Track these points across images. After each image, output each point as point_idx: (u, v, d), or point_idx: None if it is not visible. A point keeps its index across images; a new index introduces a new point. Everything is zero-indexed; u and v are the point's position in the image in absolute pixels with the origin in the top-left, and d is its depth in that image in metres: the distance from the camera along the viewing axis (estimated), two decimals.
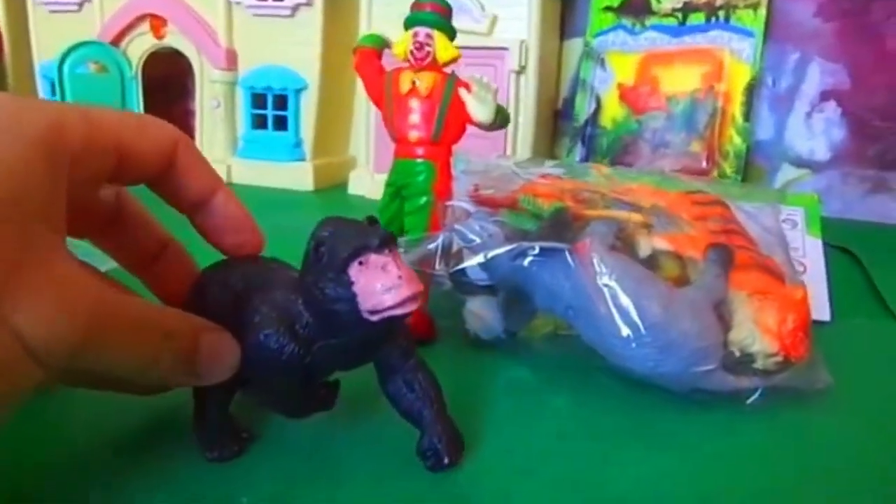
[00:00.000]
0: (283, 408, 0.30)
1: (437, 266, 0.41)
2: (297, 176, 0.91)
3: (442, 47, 0.38)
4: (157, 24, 0.94)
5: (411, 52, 0.38)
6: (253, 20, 0.90)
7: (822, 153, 0.84)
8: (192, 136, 0.96)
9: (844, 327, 0.45)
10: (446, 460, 0.28)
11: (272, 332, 0.26)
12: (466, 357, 0.40)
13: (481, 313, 0.41)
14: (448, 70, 0.40)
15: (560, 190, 0.44)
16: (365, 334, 0.27)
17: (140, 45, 0.96)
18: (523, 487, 0.28)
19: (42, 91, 1.03)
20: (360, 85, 0.90)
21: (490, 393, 0.36)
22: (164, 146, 0.28)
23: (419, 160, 0.40)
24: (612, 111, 0.86)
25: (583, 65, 0.89)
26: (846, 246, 0.63)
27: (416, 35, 0.38)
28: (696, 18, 0.83)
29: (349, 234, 0.25)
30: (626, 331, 0.35)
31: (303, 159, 0.92)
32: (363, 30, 0.88)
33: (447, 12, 0.39)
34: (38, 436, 0.30)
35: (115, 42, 0.95)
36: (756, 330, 0.37)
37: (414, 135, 0.40)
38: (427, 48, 0.38)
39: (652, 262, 0.40)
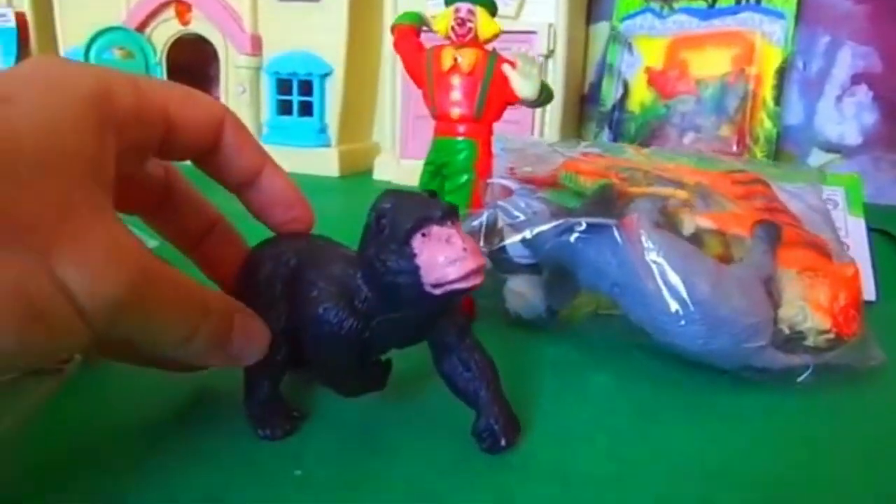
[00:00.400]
0: (337, 385, 0.29)
1: (480, 244, 0.41)
2: (323, 162, 0.91)
3: (484, 23, 0.38)
4: (183, 9, 0.94)
5: (452, 29, 0.38)
6: (278, 6, 0.89)
7: (852, 137, 0.83)
8: None
9: (891, 307, 0.45)
10: (503, 442, 0.28)
11: (331, 305, 0.26)
12: (508, 336, 0.39)
13: (523, 292, 0.41)
14: (489, 47, 0.40)
15: (602, 167, 0.44)
16: (425, 309, 0.26)
17: (165, 31, 0.96)
18: (576, 466, 0.27)
19: None
20: (384, 70, 0.90)
21: (535, 372, 0.35)
22: (211, 120, 0.28)
23: (460, 138, 0.40)
24: (640, 95, 0.85)
25: (609, 49, 0.88)
26: (885, 228, 0.62)
27: (457, 11, 0.38)
28: (726, 1, 0.82)
29: (411, 206, 0.25)
30: (674, 307, 0.34)
31: (328, 145, 0.92)
32: (388, 15, 0.88)
33: None
34: (85, 410, 0.30)
35: (141, 28, 0.95)
36: (807, 307, 0.36)
37: (455, 112, 0.39)
38: (469, 24, 0.38)
39: (696, 239, 0.40)
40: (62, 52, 1.03)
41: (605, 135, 0.87)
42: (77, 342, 0.21)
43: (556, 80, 0.82)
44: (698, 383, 0.35)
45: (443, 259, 0.23)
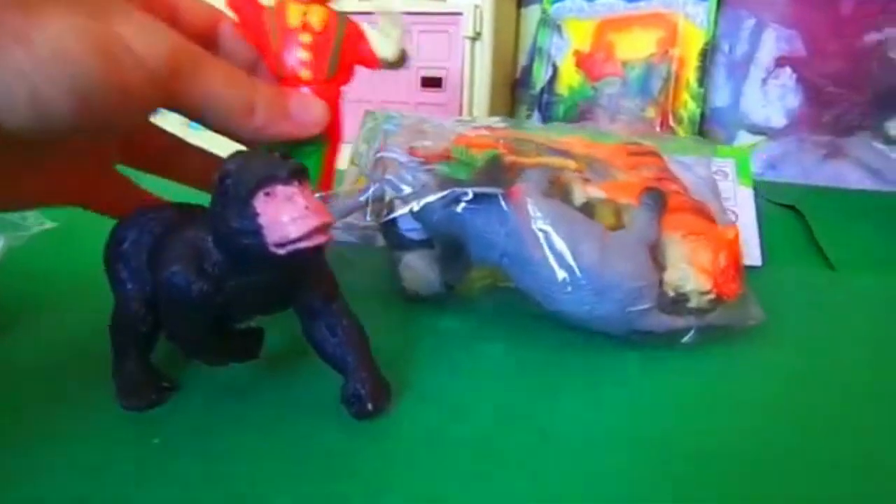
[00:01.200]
0: (200, 353, 0.29)
1: (367, 218, 0.40)
2: None
3: None
4: None
5: None
6: None
7: (778, 120, 0.84)
8: None
9: (777, 272, 0.45)
10: (370, 406, 0.27)
11: (180, 268, 0.25)
12: (404, 312, 0.39)
13: (419, 267, 0.41)
14: (335, 6, 0.37)
15: (494, 140, 0.44)
16: (276, 271, 0.26)
17: None
18: (455, 428, 0.27)
19: None
20: None
21: (424, 343, 0.35)
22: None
23: None
24: (569, 78, 0.85)
25: (540, 32, 0.88)
26: (794, 205, 0.63)
27: None
28: None
29: (256, 166, 0.24)
30: (561, 274, 0.34)
31: None
32: None
33: None
34: None
35: None
36: (690, 269, 0.37)
37: (305, 73, 0.35)
38: None
39: (587, 209, 0.40)
40: None
41: (535, 117, 0.87)
42: (151, 98, 0.26)
43: (483, 62, 0.81)
44: (588, 346, 0.35)
45: (286, 218, 0.23)
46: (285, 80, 0.35)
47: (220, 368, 0.29)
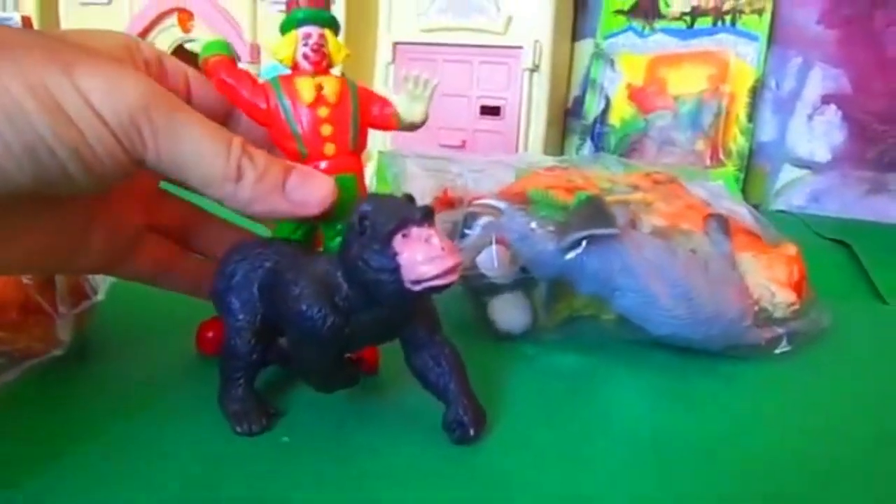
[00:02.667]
0: (317, 380, 0.30)
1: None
2: None
3: (335, 47, 0.33)
4: (185, 17, 0.97)
5: (306, 56, 0.32)
6: (277, 16, 0.93)
7: (822, 155, 0.87)
8: None
9: (830, 306, 0.48)
10: (472, 432, 0.29)
11: (313, 302, 0.27)
12: (496, 349, 0.40)
13: (509, 309, 0.42)
14: (337, 71, 0.35)
15: (564, 181, 0.47)
16: (403, 305, 0.28)
17: (167, 38, 0.99)
18: (569, 448, 0.30)
19: None
20: (377, 81, 0.93)
21: (519, 374, 0.37)
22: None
23: (341, 175, 0.33)
24: (621, 110, 0.89)
25: (593, 65, 0.92)
26: (843, 239, 0.66)
27: (308, 37, 0.32)
28: (704, 22, 0.86)
29: (392, 208, 0.26)
30: (678, 304, 0.37)
31: None
32: (384, 27, 0.91)
33: (328, 5, 0.34)
34: (57, 402, 0.32)
35: (144, 34, 0.99)
36: (771, 285, 0.41)
37: (330, 148, 0.33)
38: (324, 49, 0.32)
39: (658, 237, 0.43)
40: None
41: (587, 147, 0.90)
42: (114, 158, 0.24)
43: (540, 93, 0.86)
44: (684, 367, 0.38)
45: (422, 258, 0.25)
46: (309, 157, 0.32)
47: (319, 396, 0.31)
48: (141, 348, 0.38)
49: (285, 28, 0.33)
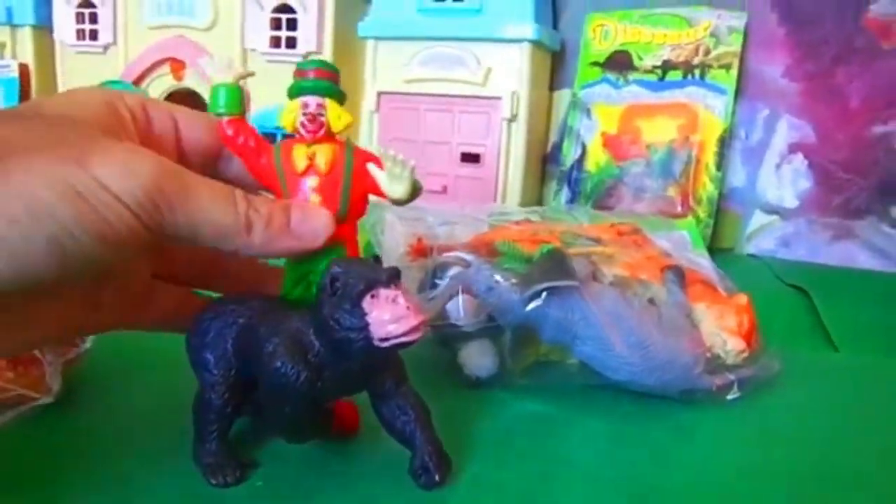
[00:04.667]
0: (289, 433, 0.32)
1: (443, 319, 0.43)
2: None
3: (335, 116, 0.33)
4: (177, 67, 1.01)
5: (302, 125, 0.33)
6: (267, 66, 0.97)
7: (790, 201, 0.91)
8: None
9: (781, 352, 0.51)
10: (437, 477, 0.31)
11: (287, 360, 0.28)
12: (466, 396, 0.42)
13: (477, 355, 0.44)
14: (342, 138, 0.35)
15: (530, 233, 0.50)
16: (370, 361, 0.30)
17: (160, 86, 1.02)
18: (510, 488, 0.32)
19: None
20: (363, 126, 0.97)
21: (485, 421, 0.39)
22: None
23: (328, 245, 0.33)
24: (596, 157, 0.93)
25: (570, 114, 0.96)
26: (802, 286, 0.69)
27: (305, 106, 0.33)
28: (675, 75, 0.90)
29: (361, 271, 0.28)
30: (633, 352, 0.40)
31: None
32: (369, 76, 0.95)
33: (336, 76, 0.34)
34: (47, 446, 0.34)
35: (138, 82, 1.02)
36: (723, 333, 0.44)
37: None
38: (321, 118, 0.33)
39: (618, 287, 0.46)
40: None
41: (564, 192, 0.94)
42: (135, 234, 0.26)
43: (517, 141, 0.89)
44: (640, 413, 0.41)
45: (389, 317, 0.27)
46: None
47: (284, 445, 0.33)
48: (128, 393, 0.40)
49: (289, 95, 0.34)
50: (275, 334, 0.30)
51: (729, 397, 0.43)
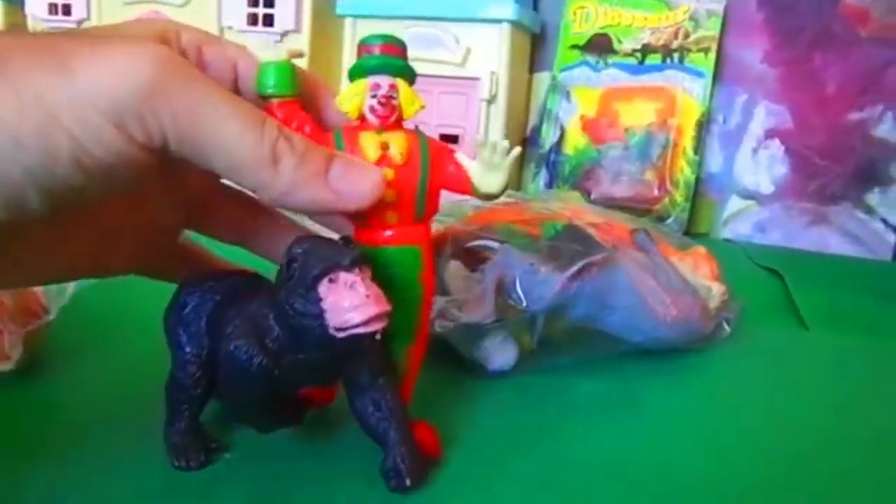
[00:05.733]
0: (252, 420, 0.30)
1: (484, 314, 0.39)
2: None
3: (407, 100, 0.29)
4: None
5: (373, 109, 0.28)
6: (245, 43, 0.95)
7: (766, 187, 0.91)
8: None
9: (752, 330, 0.51)
10: (408, 482, 0.28)
11: (242, 343, 0.27)
12: (484, 386, 0.40)
13: (498, 347, 0.41)
14: (411, 124, 0.30)
15: (518, 212, 0.49)
16: (332, 351, 0.27)
17: None
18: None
19: None
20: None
21: (491, 410, 0.37)
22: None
23: (398, 247, 0.29)
24: (575, 140, 0.93)
25: (549, 96, 0.96)
26: (775, 268, 0.69)
27: (377, 87, 0.28)
28: (654, 59, 0.90)
29: (321, 252, 0.25)
30: (664, 311, 0.42)
31: None
32: (347, 53, 0.94)
33: (405, 53, 0.30)
34: (4, 417, 0.33)
35: None
36: (705, 281, 0.47)
37: (392, 217, 0.29)
38: (393, 101, 0.28)
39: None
40: None
41: (543, 175, 0.94)
42: (122, 156, 0.21)
43: (496, 122, 0.89)
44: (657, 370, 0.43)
45: (347, 304, 0.24)
46: (368, 225, 0.29)
47: (262, 434, 0.31)
48: (90, 367, 0.39)
49: (353, 75, 0.29)
50: (237, 315, 0.28)
51: (726, 335, 0.47)
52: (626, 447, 0.34)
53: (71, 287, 0.41)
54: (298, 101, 0.28)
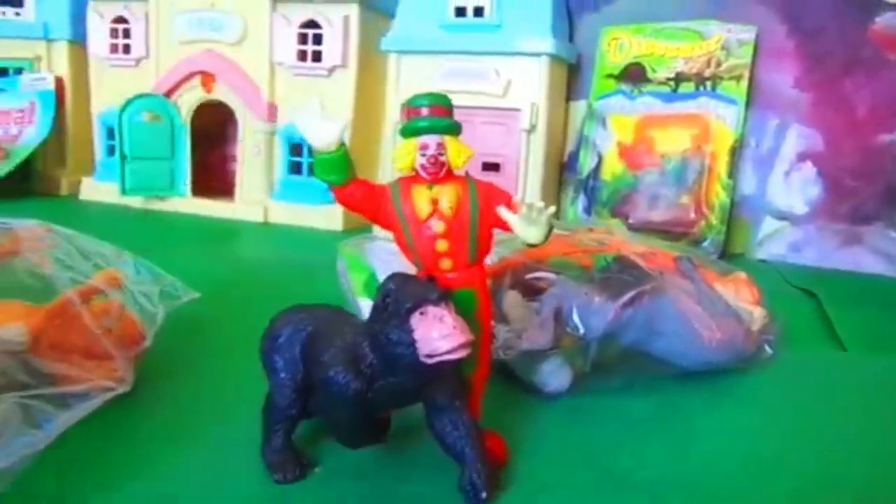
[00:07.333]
0: (343, 437, 0.34)
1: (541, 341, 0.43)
2: (328, 217, 1.00)
3: (454, 153, 0.31)
4: (208, 80, 1.05)
5: (423, 167, 0.31)
6: (294, 79, 1.01)
7: (799, 208, 0.94)
8: (231, 180, 1.07)
9: (791, 353, 0.54)
10: (484, 495, 0.31)
11: (341, 369, 0.30)
12: (539, 408, 0.43)
13: (555, 371, 0.44)
14: (461, 172, 0.33)
15: (571, 244, 0.53)
16: (419, 376, 0.30)
17: (191, 98, 1.07)
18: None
19: (98, 136, 1.14)
20: (387, 136, 1.00)
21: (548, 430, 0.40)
22: None
23: (458, 290, 0.32)
24: (612, 166, 0.96)
25: (586, 124, 1.00)
26: (811, 290, 0.72)
27: (426, 147, 0.31)
28: (687, 87, 0.94)
29: (412, 288, 0.29)
30: (711, 335, 0.45)
31: (332, 202, 1.02)
32: (391, 90, 0.99)
33: (450, 111, 0.32)
34: (120, 433, 0.37)
35: (168, 94, 1.07)
36: (746, 306, 0.50)
37: (446, 263, 0.32)
38: (441, 159, 0.31)
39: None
40: (95, 114, 1.14)
41: (581, 200, 0.97)
42: None
43: (536, 151, 0.93)
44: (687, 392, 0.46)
45: (436, 334, 0.28)
46: (425, 270, 0.32)
47: (347, 450, 0.34)
48: (184, 388, 0.44)
49: (404, 135, 0.32)
50: (333, 344, 0.31)
51: (766, 355, 0.51)
52: (675, 461, 0.37)
53: (160, 315, 0.46)
54: (349, 182, 0.32)
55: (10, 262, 0.44)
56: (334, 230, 1.00)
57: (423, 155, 0.31)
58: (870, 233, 0.90)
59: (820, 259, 0.92)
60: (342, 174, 0.32)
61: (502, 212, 0.31)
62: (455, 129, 0.32)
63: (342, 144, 0.32)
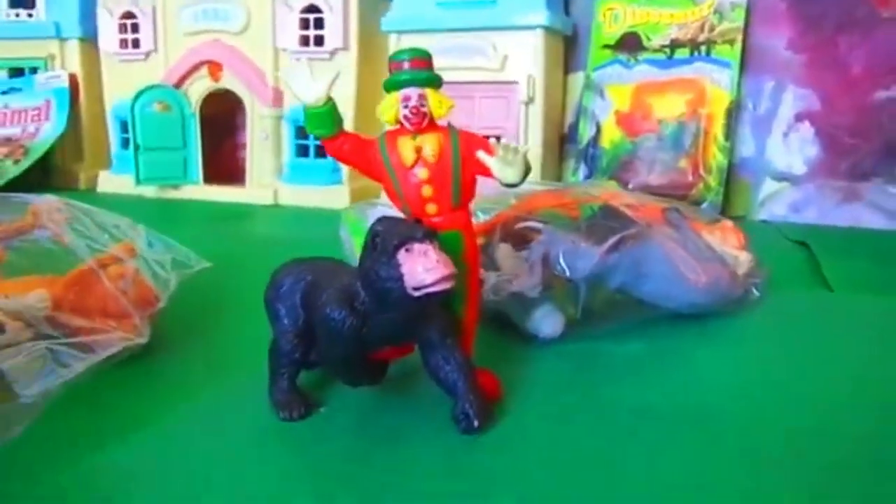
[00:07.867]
0: (343, 375, 0.36)
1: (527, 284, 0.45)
2: (335, 197, 1.03)
3: (436, 104, 0.33)
4: (215, 69, 1.08)
5: (406, 118, 0.33)
6: (296, 64, 1.03)
7: (799, 168, 0.95)
8: (242, 168, 1.10)
9: (778, 293, 0.56)
10: (476, 423, 0.33)
11: (336, 307, 0.32)
12: (534, 352, 0.45)
13: (549, 317, 0.46)
14: (444, 122, 0.35)
15: (558, 198, 0.55)
16: (408, 309, 0.32)
17: (199, 87, 1.10)
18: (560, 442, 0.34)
19: (112, 128, 1.18)
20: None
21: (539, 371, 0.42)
22: None
23: (443, 232, 0.33)
24: (610, 134, 0.98)
25: (584, 95, 1.01)
26: (804, 240, 0.74)
27: (407, 99, 0.33)
28: (682, 53, 0.96)
29: (398, 228, 0.31)
30: (697, 278, 0.47)
31: (340, 183, 1.05)
32: None
33: (430, 63, 0.34)
34: (135, 386, 0.39)
35: (178, 85, 1.10)
36: (732, 251, 0.52)
37: (432, 208, 0.34)
38: (423, 109, 0.33)
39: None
40: (107, 107, 1.18)
41: (582, 169, 0.99)
42: None
43: (535, 122, 0.95)
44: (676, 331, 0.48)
45: (420, 268, 0.29)
46: (412, 216, 0.34)
47: (349, 390, 0.36)
48: (198, 343, 0.47)
49: (387, 88, 0.34)
50: (329, 286, 0.33)
51: (754, 296, 0.53)
52: (665, 396, 0.39)
53: (173, 281, 0.49)
54: (337, 135, 0.35)
55: (32, 233, 0.47)
56: (342, 209, 1.03)
57: (406, 106, 0.33)
58: (869, 189, 0.92)
59: (820, 217, 0.93)
60: (331, 127, 0.34)
61: (481, 155, 0.33)
62: (435, 82, 0.34)
63: (330, 99, 0.34)
